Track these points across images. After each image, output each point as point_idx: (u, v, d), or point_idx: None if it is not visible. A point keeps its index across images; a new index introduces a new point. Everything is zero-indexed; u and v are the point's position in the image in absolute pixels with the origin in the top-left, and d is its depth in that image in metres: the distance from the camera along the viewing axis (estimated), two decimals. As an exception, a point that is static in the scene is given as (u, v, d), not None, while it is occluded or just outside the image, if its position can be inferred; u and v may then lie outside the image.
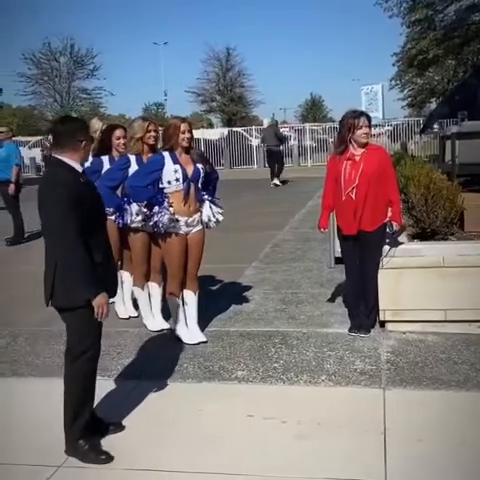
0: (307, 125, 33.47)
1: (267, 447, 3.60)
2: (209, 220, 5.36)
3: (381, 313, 5.43)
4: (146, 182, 5.14)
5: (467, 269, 5.20)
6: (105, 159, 5.98)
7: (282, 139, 20.94)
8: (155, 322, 5.76)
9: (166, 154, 5.17)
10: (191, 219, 5.23)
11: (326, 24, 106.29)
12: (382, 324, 5.47)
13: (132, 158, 5.59)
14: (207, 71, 54.25)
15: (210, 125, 40.93)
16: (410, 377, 4.45)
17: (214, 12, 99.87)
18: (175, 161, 5.14)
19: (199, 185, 5.27)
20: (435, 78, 30.52)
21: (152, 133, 5.63)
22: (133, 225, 5.52)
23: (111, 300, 3.78)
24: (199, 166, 5.25)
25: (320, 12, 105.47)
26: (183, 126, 5.13)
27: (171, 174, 5.12)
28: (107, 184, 5.48)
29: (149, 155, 5.57)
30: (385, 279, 5.34)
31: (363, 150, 5.21)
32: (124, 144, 5.95)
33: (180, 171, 5.12)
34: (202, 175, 5.28)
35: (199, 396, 4.35)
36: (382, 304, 5.39)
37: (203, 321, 5.60)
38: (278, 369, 4.74)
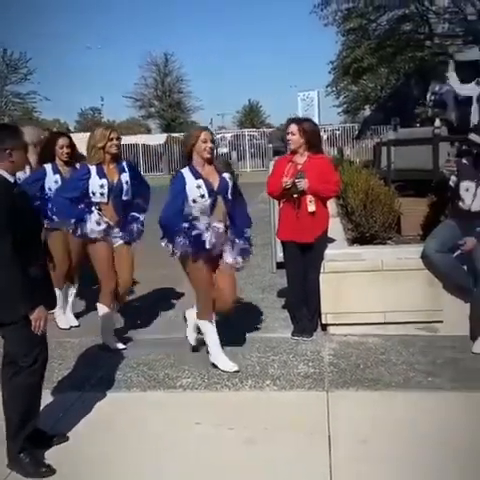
0: (246, 131, 33.71)
1: (215, 454, 3.60)
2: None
3: (323, 316, 5.51)
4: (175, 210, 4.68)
5: (405, 272, 5.35)
6: (48, 167, 5.87)
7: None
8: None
9: (185, 171, 4.72)
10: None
11: (263, 31, 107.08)
12: (324, 327, 5.56)
13: (92, 168, 5.22)
14: (145, 76, 53.94)
15: (149, 131, 40.60)
16: (352, 379, 4.54)
17: (152, 16, 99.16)
18: (197, 176, 4.68)
19: (229, 196, 4.79)
20: (369, 85, 31.30)
21: (115, 142, 5.25)
22: (93, 235, 5.24)
23: (51, 311, 3.72)
24: (226, 176, 4.80)
25: (258, 19, 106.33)
26: (204, 135, 4.70)
27: (194, 191, 4.65)
28: (66, 195, 5.28)
29: (111, 166, 5.28)
30: (326, 283, 5.44)
31: (305, 158, 5.34)
32: (68, 153, 5.86)
33: (204, 186, 4.67)
34: (231, 185, 4.81)
35: (144, 405, 4.31)
36: (324, 308, 5.48)
37: (148, 329, 5.56)
38: (223, 375, 4.75)
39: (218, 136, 34.33)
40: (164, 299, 6.95)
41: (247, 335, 5.58)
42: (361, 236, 5.91)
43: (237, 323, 5.94)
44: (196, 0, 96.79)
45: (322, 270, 5.43)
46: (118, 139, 5.32)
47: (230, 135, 33.17)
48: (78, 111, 61.79)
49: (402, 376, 4.57)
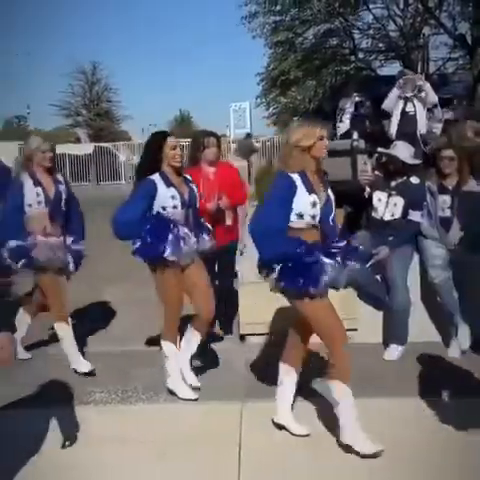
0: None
1: (126, 470, 3.54)
2: None
3: (241, 327, 5.54)
4: None
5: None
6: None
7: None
8: None
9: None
10: None
11: (191, 40, 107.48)
12: (242, 337, 5.58)
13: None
14: (72, 84, 53.02)
15: (78, 140, 39.84)
16: (266, 390, 4.55)
17: (79, 24, 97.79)
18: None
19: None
20: (297, 98, 31.76)
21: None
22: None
23: None
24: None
25: (189, 28, 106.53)
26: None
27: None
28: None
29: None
30: (244, 294, 5.46)
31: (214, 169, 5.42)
32: None
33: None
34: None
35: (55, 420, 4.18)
36: (241, 318, 5.50)
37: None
38: (138, 388, 4.69)
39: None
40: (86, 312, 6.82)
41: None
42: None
43: (152, 335, 5.89)
44: (125, 8, 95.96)
45: (241, 282, 5.47)
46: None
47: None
48: (2, 119, 60.12)
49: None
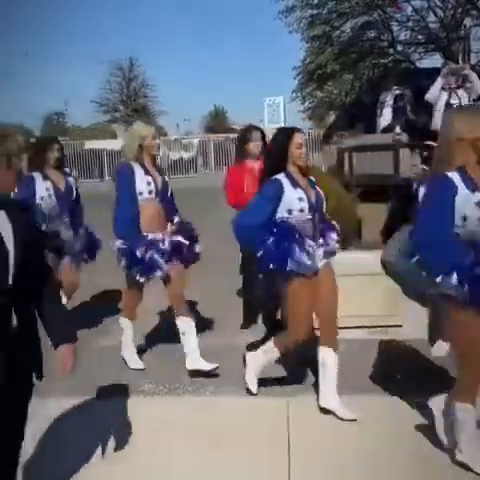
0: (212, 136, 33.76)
1: (176, 460, 3.59)
2: None
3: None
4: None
5: (366, 277, 5.40)
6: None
7: None
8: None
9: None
10: None
11: (225, 34, 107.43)
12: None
13: None
14: (110, 81, 53.62)
15: (114, 136, 40.31)
16: (312, 385, 4.55)
17: (118, 20, 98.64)
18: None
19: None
20: (334, 92, 31.52)
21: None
22: None
23: None
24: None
25: (225, 25, 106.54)
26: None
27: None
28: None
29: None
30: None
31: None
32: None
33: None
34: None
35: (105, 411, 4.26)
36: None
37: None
38: (184, 380, 4.75)
39: (184, 141, 34.41)
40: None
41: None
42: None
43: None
44: (161, 6, 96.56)
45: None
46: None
47: (197, 140, 33.16)
48: (42, 116, 61.11)
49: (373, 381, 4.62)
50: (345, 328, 5.42)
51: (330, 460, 3.54)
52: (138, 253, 4.59)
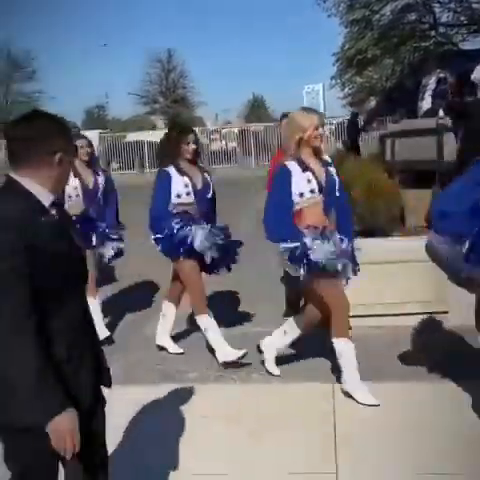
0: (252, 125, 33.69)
1: (222, 446, 3.66)
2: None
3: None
4: None
5: (411, 264, 5.36)
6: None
7: None
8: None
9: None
10: None
11: (265, 23, 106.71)
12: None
13: None
14: (149, 73, 54.00)
15: (154, 127, 40.62)
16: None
17: (153, 13, 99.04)
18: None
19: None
20: (374, 77, 31.10)
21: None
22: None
23: None
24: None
25: (259, 12, 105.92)
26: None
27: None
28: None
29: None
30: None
31: None
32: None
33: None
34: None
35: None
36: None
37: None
38: (227, 370, 4.82)
39: (224, 131, 34.42)
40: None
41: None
42: (364, 229, 5.91)
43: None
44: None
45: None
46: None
47: (237, 130, 33.18)
48: (84, 109, 61.93)
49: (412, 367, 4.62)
50: (392, 315, 5.43)
51: (373, 445, 3.55)
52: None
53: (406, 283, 5.36)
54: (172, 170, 4.92)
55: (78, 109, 70.31)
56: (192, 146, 4.98)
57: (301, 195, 4.12)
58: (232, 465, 3.44)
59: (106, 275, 6.78)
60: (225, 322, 5.49)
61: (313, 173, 4.16)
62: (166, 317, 5.29)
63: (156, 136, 32.05)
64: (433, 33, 20.72)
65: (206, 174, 5.18)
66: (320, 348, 5.05)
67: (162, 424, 3.94)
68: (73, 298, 2.18)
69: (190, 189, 4.92)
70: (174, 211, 4.91)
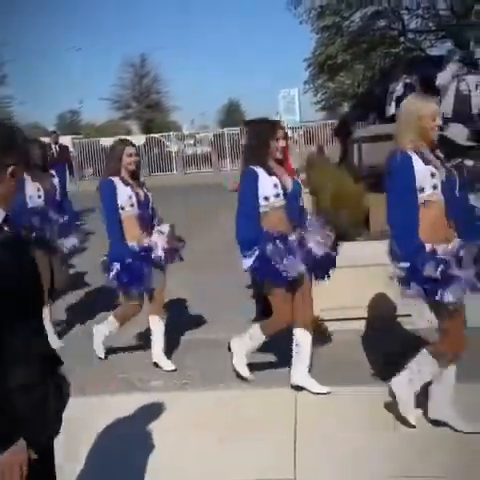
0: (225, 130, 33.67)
1: (188, 453, 3.65)
2: None
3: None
4: None
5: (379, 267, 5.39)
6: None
7: None
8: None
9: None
10: None
11: (242, 26, 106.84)
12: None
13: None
14: (122, 77, 53.60)
15: (128, 132, 40.37)
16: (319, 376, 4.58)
17: (128, 18, 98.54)
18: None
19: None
20: (346, 82, 31.39)
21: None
22: None
23: None
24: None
25: (235, 14, 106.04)
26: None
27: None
28: None
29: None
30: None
31: None
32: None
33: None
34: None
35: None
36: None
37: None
38: (194, 376, 4.81)
39: (198, 136, 34.31)
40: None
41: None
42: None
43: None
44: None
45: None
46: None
47: (211, 134, 33.12)
48: (56, 114, 61.34)
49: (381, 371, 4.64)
50: (350, 319, 5.47)
51: (334, 447, 3.57)
52: None
53: (369, 287, 5.39)
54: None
55: (50, 114, 69.65)
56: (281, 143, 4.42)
57: None
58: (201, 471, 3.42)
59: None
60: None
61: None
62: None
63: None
64: (402, 39, 21.01)
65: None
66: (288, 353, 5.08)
67: (129, 434, 3.90)
68: (26, 325, 1.95)
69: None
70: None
